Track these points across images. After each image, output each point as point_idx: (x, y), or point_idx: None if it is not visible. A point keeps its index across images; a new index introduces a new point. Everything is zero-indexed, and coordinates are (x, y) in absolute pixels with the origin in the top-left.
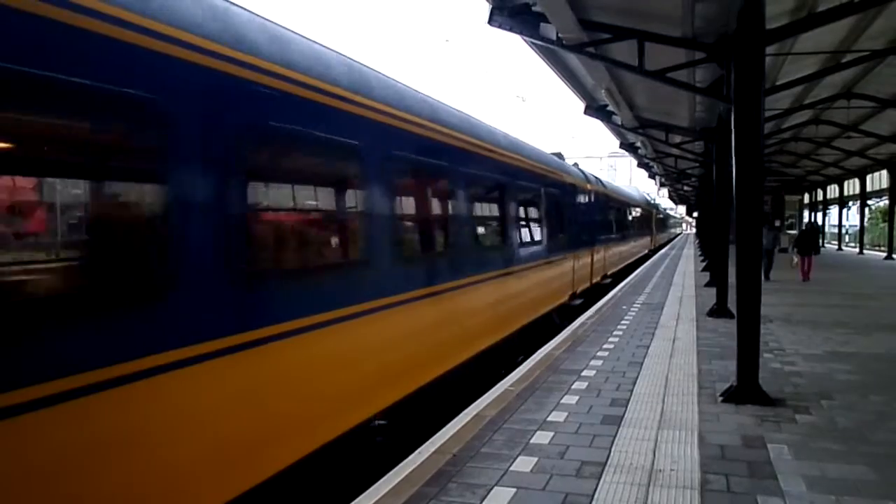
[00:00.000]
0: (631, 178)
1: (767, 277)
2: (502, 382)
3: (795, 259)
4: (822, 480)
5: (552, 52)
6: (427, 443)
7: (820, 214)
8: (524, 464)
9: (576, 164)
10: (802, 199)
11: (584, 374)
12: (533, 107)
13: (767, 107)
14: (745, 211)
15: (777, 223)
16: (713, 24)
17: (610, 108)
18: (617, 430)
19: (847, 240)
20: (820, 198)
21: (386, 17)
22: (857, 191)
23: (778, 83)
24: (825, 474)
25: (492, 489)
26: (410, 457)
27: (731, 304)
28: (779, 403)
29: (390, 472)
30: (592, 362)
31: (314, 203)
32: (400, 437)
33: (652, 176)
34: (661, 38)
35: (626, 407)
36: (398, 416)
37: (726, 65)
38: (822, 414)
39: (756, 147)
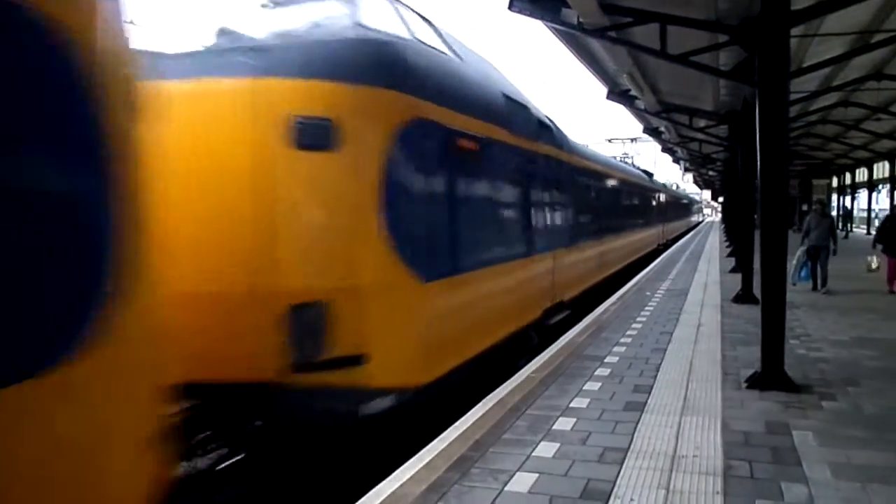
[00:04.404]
0: (655, 163)
1: (822, 285)
2: (525, 369)
3: (876, 261)
4: (848, 467)
5: (573, 37)
6: (449, 428)
7: (848, 198)
8: (546, 449)
9: None
10: (830, 183)
11: (607, 360)
12: (555, 92)
13: (794, 89)
14: (770, 195)
15: (810, 208)
16: (737, 6)
17: (633, 92)
18: (640, 417)
19: (877, 224)
20: (848, 181)
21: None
22: (887, 174)
23: (804, 65)
24: (851, 461)
25: (514, 474)
26: (433, 443)
27: (757, 290)
28: (804, 390)
29: (413, 458)
30: (615, 348)
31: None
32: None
33: (676, 161)
34: (684, 21)
35: (650, 393)
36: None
37: (751, 47)
38: (849, 400)
39: (781, 130)
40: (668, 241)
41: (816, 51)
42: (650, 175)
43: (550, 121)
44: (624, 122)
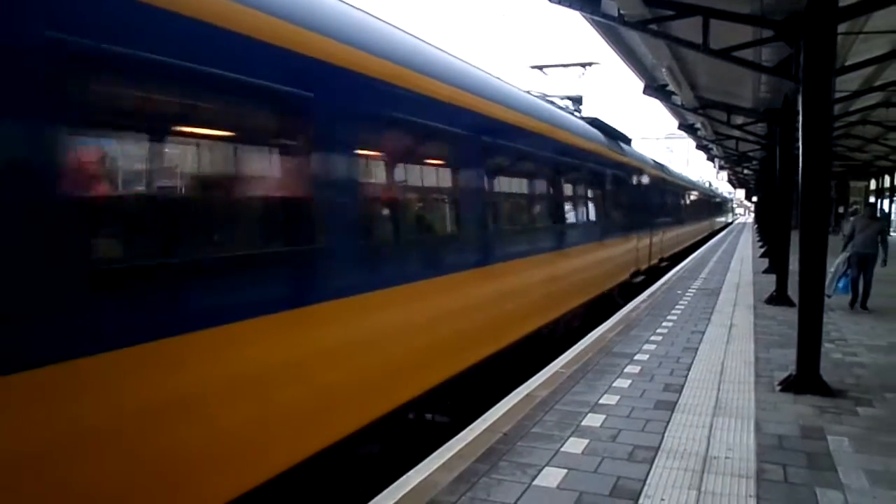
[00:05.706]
0: (688, 161)
1: (862, 301)
2: (554, 363)
3: None
4: (886, 475)
5: (612, 30)
6: (478, 420)
7: (887, 202)
8: (575, 445)
9: None
10: (868, 186)
11: (637, 357)
12: (590, 84)
13: (835, 88)
14: (811, 195)
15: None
16: (783, 1)
17: (670, 87)
18: (670, 416)
19: None
20: (887, 184)
21: None
22: None
23: (847, 63)
24: (889, 469)
25: (542, 469)
26: (462, 433)
27: (792, 292)
28: (839, 395)
29: (441, 448)
30: (646, 346)
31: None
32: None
33: (710, 159)
34: (727, 16)
35: (680, 392)
36: None
37: (795, 43)
38: (886, 407)
39: (824, 129)
40: (671, 257)
41: (859, 49)
42: (621, 140)
43: None
44: (659, 118)
